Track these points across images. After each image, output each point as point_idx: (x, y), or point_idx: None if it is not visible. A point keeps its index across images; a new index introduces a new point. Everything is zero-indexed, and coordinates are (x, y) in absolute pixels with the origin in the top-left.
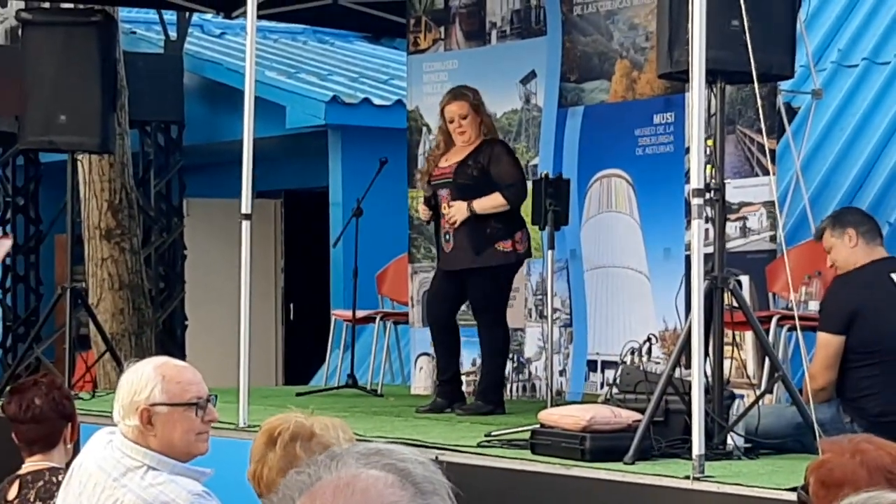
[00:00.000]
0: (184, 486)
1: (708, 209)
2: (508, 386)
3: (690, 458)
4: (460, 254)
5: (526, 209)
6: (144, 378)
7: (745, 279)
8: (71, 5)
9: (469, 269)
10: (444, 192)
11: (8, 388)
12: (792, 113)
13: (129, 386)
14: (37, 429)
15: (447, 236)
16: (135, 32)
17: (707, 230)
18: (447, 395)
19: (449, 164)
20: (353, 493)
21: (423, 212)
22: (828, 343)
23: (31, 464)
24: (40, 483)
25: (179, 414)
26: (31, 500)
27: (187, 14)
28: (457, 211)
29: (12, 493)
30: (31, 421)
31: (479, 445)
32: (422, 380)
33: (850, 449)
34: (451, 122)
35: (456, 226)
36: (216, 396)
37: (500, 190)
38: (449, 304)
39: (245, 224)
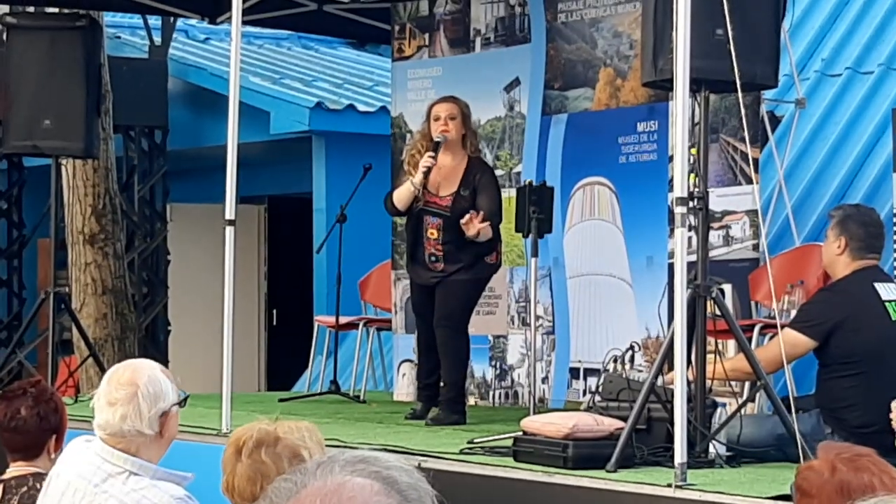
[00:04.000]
0: (166, 491)
1: (691, 217)
2: (491, 393)
3: (673, 466)
4: (452, 271)
5: (508, 217)
6: (161, 384)
7: (727, 288)
8: (56, 10)
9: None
10: (435, 220)
11: None
12: (775, 122)
13: (152, 398)
14: (19, 438)
15: (433, 258)
16: (119, 37)
17: (690, 238)
18: (430, 400)
19: (442, 198)
20: (340, 501)
21: (427, 159)
22: (798, 344)
23: (15, 469)
24: (24, 489)
25: (177, 409)
26: None
27: (172, 19)
28: (475, 227)
29: None
30: (13, 430)
31: (461, 452)
32: (404, 386)
33: (829, 466)
34: (437, 119)
35: (475, 233)
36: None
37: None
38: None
39: (229, 230)
